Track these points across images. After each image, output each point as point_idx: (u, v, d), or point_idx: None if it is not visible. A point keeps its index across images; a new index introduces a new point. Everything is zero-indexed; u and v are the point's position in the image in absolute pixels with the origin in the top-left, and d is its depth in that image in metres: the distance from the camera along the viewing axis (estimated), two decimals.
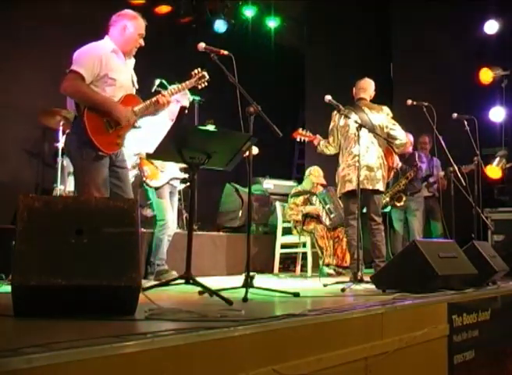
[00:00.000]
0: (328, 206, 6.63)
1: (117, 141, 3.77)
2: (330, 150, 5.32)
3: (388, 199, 6.53)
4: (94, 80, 3.69)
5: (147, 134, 4.56)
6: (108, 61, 3.75)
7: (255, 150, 4.85)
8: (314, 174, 6.89)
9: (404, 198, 6.60)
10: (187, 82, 4.09)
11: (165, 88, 5.63)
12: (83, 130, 3.61)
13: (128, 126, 3.81)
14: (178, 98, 4.97)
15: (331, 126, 5.28)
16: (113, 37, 3.86)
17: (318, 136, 5.42)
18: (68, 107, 3.81)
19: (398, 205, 6.63)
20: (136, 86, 4.03)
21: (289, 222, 6.88)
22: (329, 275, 6.21)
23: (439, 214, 6.54)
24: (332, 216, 6.58)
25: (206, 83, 4.13)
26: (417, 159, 6.70)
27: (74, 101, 3.70)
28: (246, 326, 2.13)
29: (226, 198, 7.80)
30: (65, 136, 3.82)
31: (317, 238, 6.51)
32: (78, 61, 3.69)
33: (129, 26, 3.86)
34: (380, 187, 5.14)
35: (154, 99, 3.96)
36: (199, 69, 4.10)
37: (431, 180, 6.92)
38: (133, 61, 4.00)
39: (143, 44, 3.93)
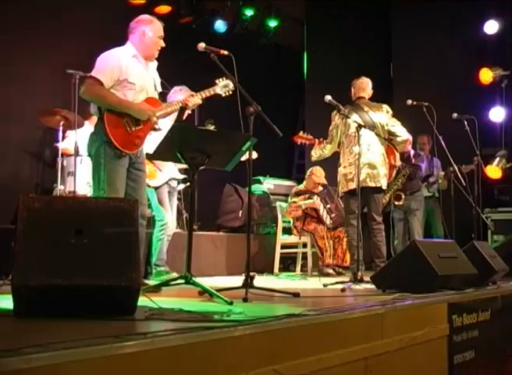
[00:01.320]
0: (328, 206, 6.65)
1: (136, 142, 3.88)
2: (328, 149, 5.30)
3: (387, 199, 6.50)
4: (114, 85, 3.83)
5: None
6: (128, 66, 3.88)
7: (254, 154, 4.87)
8: (316, 174, 6.89)
9: (403, 197, 6.56)
10: (212, 88, 4.13)
11: (164, 88, 5.65)
12: (103, 130, 3.76)
13: (148, 128, 3.91)
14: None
15: (331, 127, 5.28)
16: (134, 43, 3.99)
17: (317, 140, 5.40)
18: (91, 110, 3.96)
19: (397, 203, 6.59)
20: (159, 89, 4.14)
21: (289, 222, 6.89)
22: (329, 275, 6.21)
23: (439, 214, 6.54)
24: (332, 215, 6.61)
25: (231, 92, 4.13)
26: (411, 157, 6.69)
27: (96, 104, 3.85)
28: (246, 326, 2.13)
29: (226, 198, 7.80)
30: (88, 137, 3.98)
31: (317, 239, 6.52)
32: (98, 67, 3.84)
33: (147, 32, 3.96)
34: (383, 184, 5.14)
35: (180, 102, 4.06)
36: (223, 78, 4.14)
37: (431, 180, 6.91)
38: (155, 63, 4.10)
39: (163, 45, 4.03)
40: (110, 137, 3.75)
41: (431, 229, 7.00)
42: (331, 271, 6.39)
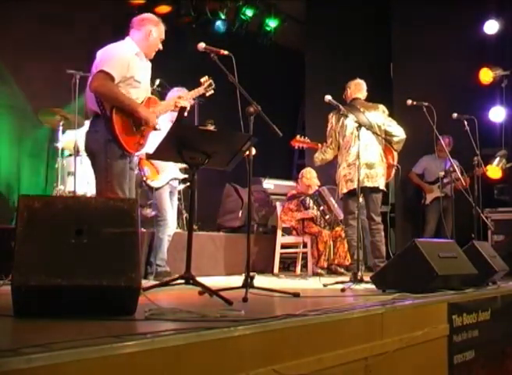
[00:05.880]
0: (322, 208, 6.64)
1: (141, 142, 3.88)
2: (329, 153, 5.30)
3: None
4: (119, 82, 3.73)
5: None
6: (134, 64, 3.83)
7: (252, 150, 4.89)
8: (306, 176, 6.89)
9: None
10: (198, 89, 4.22)
11: (164, 88, 5.65)
12: (111, 129, 3.65)
13: (151, 128, 3.89)
14: None
15: (328, 129, 5.28)
16: (137, 41, 3.93)
17: (320, 145, 5.38)
18: (89, 104, 3.79)
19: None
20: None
21: None
22: (320, 275, 6.19)
23: (451, 214, 6.52)
24: (326, 217, 6.61)
25: (212, 91, 4.27)
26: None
27: (98, 99, 3.70)
28: (246, 326, 2.13)
29: (226, 198, 7.79)
30: (85, 134, 3.86)
31: (318, 242, 6.51)
32: (108, 62, 3.71)
33: (153, 32, 3.95)
34: (381, 184, 5.13)
35: (171, 102, 4.14)
36: (206, 77, 4.22)
37: (445, 180, 6.90)
38: (149, 64, 4.06)
39: (161, 48, 4.03)
40: (119, 137, 3.66)
41: (441, 228, 6.97)
42: (323, 272, 6.39)
